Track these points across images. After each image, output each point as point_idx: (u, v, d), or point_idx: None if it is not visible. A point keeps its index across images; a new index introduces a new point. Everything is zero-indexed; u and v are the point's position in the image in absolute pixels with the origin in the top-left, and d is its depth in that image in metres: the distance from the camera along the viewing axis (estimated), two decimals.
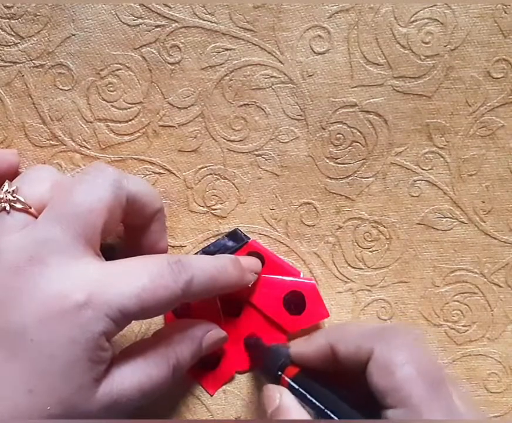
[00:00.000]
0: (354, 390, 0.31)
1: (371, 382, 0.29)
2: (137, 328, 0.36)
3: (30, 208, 0.30)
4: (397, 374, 0.28)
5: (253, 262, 0.36)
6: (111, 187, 0.30)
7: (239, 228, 0.37)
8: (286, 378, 0.32)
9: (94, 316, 0.28)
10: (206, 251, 0.36)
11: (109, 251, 0.33)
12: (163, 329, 0.35)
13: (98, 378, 0.29)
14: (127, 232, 0.35)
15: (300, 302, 0.36)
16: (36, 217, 0.30)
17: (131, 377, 0.30)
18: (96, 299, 0.28)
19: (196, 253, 0.37)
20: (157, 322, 0.36)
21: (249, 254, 0.36)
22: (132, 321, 0.30)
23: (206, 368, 0.36)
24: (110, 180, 0.30)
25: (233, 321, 0.36)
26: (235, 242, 0.36)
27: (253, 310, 0.36)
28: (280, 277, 0.36)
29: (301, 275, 0.36)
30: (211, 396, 0.36)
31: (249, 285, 0.35)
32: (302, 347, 0.33)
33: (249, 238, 0.37)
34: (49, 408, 0.27)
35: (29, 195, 0.30)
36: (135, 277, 0.29)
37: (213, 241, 0.37)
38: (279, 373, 0.32)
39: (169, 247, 0.37)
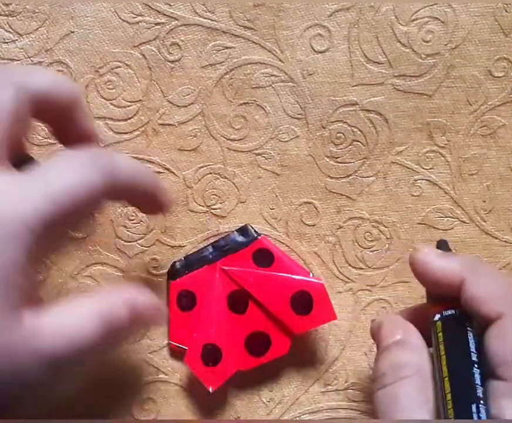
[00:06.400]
0: None
1: (490, 345, 0.28)
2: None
3: None
4: None
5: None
6: (12, 92, 0.28)
7: (249, 224, 0.36)
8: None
9: (10, 232, 0.25)
10: (216, 246, 0.36)
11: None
12: (104, 289, 0.32)
13: (15, 305, 0.26)
14: (52, 128, 0.33)
15: (307, 303, 0.35)
16: None
17: (58, 320, 0.27)
18: (10, 214, 0.25)
19: (205, 247, 0.36)
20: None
21: (259, 250, 0.36)
22: None
23: (206, 364, 0.35)
24: (11, 84, 0.28)
25: (239, 318, 0.36)
26: (245, 237, 0.36)
27: (259, 308, 0.36)
28: (288, 275, 0.36)
29: (310, 275, 0.36)
30: (211, 393, 0.36)
31: (164, 210, 0.33)
32: (432, 259, 0.31)
33: (260, 235, 0.36)
34: None
35: None
36: (51, 179, 0.27)
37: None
38: None
39: (168, 247, 0.36)
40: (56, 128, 0.32)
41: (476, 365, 0.28)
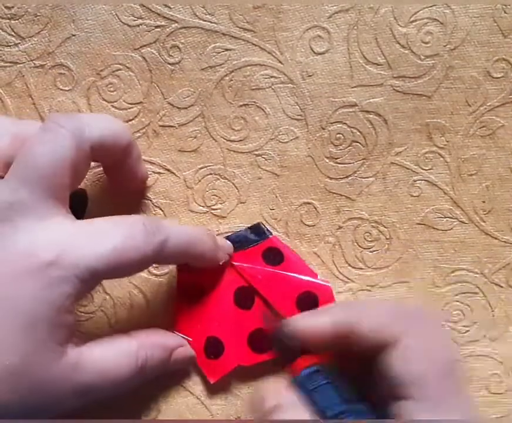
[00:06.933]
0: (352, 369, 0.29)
1: (391, 369, 0.28)
2: None
3: None
4: (423, 367, 0.27)
5: (226, 243, 0.36)
6: (73, 142, 0.30)
7: (262, 222, 0.37)
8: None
9: (61, 275, 0.28)
10: (227, 239, 0.36)
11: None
12: (140, 331, 0.34)
13: (61, 341, 0.29)
14: (105, 169, 0.35)
15: (313, 304, 0.35)
16: (2, 176, 0.30)
17: (100, 358, 0.30)
18: (64, 259, 0.28)
19: None
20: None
21: (269, 249, 0.36)
22: None
23: (208, 356, 0.35)
24: (70, 135, 0.30)
25: (243, 313, 0.36)
26: (257, 235, 0.36)
27: (264, 306, 0.36)
28: (296, 275, 0.36)
29: (318, 277, 0.36)
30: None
31: (220, 263, 0.35)
32: (309, 321, 0.30)
33: (271, 234, 0.37)
34: (8, 362, 0.27)
35: None
36: (107, 237, 0.29)
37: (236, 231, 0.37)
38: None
39: None
40: (108, 169, 0.35)
41: (346, 413, 0.28)
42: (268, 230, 0.37)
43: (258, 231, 0.37)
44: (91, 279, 0.29)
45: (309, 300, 0.35)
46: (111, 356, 0.31)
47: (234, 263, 0.36)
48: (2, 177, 0.30)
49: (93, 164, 0.35)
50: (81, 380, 0.29)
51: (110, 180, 0.36)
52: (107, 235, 0.29)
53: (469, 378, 0.30)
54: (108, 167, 0.35)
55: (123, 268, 0.29)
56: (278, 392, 0.29)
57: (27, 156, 0.29)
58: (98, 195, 0.36)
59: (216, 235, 0.36)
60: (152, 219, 0.31)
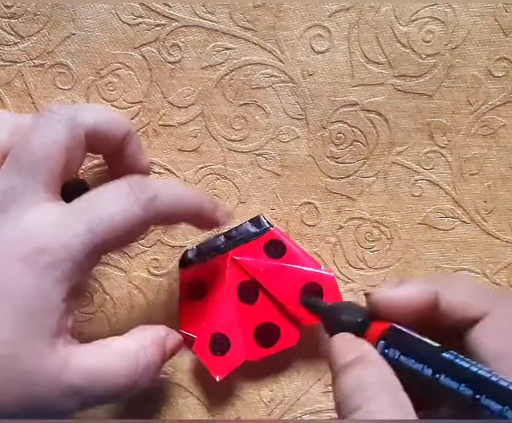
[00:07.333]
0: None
1: (481, 344, 0.27)
2: None
3: None
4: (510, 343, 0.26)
5: (225, 207, 0.35)
6: (66, 127, 0.29)
7: (262, 214, 0.37)
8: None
9: (51, 261, 0.27)
10: (228, 236, 0.36)
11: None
12: (134, 330, 0.32)
13: (52, 332, 0.28)
14: (106, 159, 0.35)
15: (317, 294, 0.35)
16: None
17: (92, 361, 0.29)
18: (54, 243, 0.27)
19: (217, 236, 0.36)
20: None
21: (270, 241, 0.36)
22: None
23: (215, 353, 0.35)
24: (64, 120, 0.29)
25: (248, 308, 0.36)
26: (258, 228, 0.36)
27: (268, 300, 0.36)
28: (299, 266, 0.36)
29: (322, 268, 0.36)
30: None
31: (220, 225, 0.34)
32: (394, 291, 0.28)
33: (272, 226, 0.36)
34: None
35: None
36: (93, 211, 0.28)
37: (235, 226, 0.36)
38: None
39: (169, 247, 0.37)
40: (108, 161, 0.35)
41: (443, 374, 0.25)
42: (268, 222, 0.36)
43: (258, 224, 0.36)
44: (86, 258, 0.28)
45: (313, 290, 0.35)
46: (102, 356, 0.29)
47: (236, 257, 0.36)
48: None
49: (95, 162, 0.35)
50: (71, 381, 0.28)
51: (111, 174, 0.35)
52: (93, 206, 0.29)
53: None
54: (108, 158, 0.34)
55: (116, 236, 0.28)
56: (360, 344, 0.27)
57: (22, 142, 0.29)
58: None
59: (217, 234, 0.36)
60: (138, 178, 0.30)
